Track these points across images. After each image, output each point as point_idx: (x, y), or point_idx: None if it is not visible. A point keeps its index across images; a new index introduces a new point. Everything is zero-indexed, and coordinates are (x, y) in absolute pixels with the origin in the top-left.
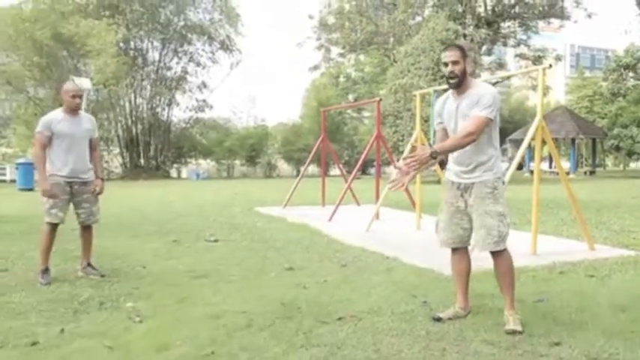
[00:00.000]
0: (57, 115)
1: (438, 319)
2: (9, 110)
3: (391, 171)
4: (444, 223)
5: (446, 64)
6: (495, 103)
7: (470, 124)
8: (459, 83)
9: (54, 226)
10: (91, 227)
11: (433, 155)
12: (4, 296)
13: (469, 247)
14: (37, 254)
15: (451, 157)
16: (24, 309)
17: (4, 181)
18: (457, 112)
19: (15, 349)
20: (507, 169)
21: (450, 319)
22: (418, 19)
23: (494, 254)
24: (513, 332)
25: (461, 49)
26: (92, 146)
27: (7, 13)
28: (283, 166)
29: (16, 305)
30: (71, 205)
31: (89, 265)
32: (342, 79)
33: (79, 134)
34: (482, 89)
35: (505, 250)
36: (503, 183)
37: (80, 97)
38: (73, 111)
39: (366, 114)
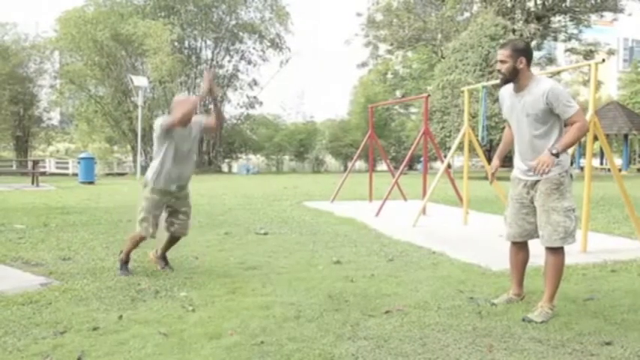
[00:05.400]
0: None
1: (493, 305)
2: (72, 108)
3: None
4: (510, 219)
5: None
6: (565, 94)
7: (575, 124)
8: (507, 81)
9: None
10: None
11: (555, 154)
12: (68, 283)
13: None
14: (97, 244)
15: (517, 153)
16: (86, 295)
17: (66, 174)
18: (518, 109)
19: (78, 334)
20: None
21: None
22: (466, 14)
23: (550, 249)
24: (529, 321)
25: (511, 47)
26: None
27: (71, 16)
28: (331, 162)
29: (79, 292)
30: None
31: (165, 257)
32: (389, 75)
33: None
34: (541, 87)
35: (561, 247)
36: (571, 176)
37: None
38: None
39: (413, 110)
